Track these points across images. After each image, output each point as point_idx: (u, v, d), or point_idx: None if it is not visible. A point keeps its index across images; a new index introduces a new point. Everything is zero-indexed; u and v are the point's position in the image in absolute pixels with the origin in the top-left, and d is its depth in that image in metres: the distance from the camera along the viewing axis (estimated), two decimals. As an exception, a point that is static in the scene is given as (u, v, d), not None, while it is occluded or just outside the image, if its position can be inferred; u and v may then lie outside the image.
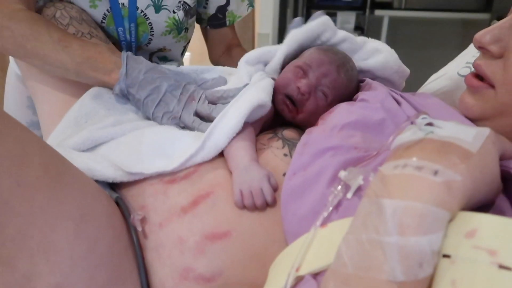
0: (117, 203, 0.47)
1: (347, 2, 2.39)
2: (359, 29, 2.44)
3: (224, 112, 0.53)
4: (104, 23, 0.78)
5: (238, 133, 0.51)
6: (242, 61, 0.65)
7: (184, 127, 0.60)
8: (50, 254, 0.35)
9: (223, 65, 0.94)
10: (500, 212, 0.33)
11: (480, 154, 0.31)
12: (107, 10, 0.77)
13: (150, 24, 0.81)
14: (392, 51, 0.67)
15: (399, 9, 2.34)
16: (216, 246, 0.43)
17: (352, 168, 0.38)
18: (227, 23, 0.92)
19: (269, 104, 0.55)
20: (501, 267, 0.25)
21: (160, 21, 0.81)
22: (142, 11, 0.79)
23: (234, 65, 0.78)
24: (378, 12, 2.34)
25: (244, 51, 1.00)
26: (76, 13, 0.71)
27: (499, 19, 0.49)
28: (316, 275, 0.33)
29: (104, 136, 0.55)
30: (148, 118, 0.62)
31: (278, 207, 0.44)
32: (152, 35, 0.83)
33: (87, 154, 0.53)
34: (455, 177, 0.29)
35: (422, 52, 2.50)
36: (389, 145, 0.37)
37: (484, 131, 0.33)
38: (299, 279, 0.34)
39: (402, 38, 2.59)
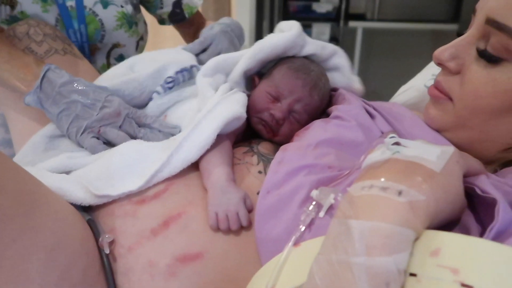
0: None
1: (321, 14, 2.44)
2: (334, 40, 2.50)
3: (196, 123, 0.51)
4: (58, 26, 0.79)
5: (215, 147, 0.51)
6: (199, 75, 0.63)
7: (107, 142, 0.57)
8: (19, 284, 0.34)
9: None
10: (465, 229, 0.34)
11: (443, 174, 0.32)
12: (58, 15, 0.79)
13: (100, 20, 0.83)
14: (352, 77, 0.67)
15: (372, 20, 2.41)
16: (188, 269, 0.42)
17: (323, 187, 0.39)
18: (186, 15, 0.98)
19: (244, 116, 0.55)
20: (463, 285, 0.26)
21: (109, 16, 0.84)
22: (90, 9, 0.82)
23: None
24: (352, 24, 2.40)
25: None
26: (50, 30, 0.71)
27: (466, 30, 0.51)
28: (290, 295, 0.34)
29: (80, 163, 0.53)
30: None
31: (252, 227, 0.44)
32: (104, 31, 0.85)
33: (60, 175, 0.51)
34: (418, 197, 0.30)
35: (396, 61, 2.58)
36: (360, 164, 0.38)
37: (449, 150, 0.35)
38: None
39: (376, 49, 2.66)
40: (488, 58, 0.45)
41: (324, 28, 2.43)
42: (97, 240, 0.44)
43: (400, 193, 0.30)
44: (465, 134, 0.49)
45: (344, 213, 0.30)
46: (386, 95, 0.93)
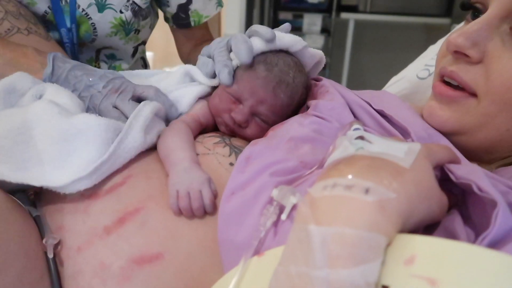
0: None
1: (313, 4, 2.39)
2: (326, 32, 2.45)
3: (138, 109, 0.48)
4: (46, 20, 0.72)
5: (175, 133, 0.48)
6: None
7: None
8: None
9: (193, 62, 0.90)
10: (451, 234, 0.30)
11: (413, 169, 0.28)
12: (49, 8, 0.71)
13: (93, 24, 0.75)
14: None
15: (364, 12, 2.37)
16: (145, 271, 0.38)
17: (283, 186, 0.34)
18: (192, 23, 0.85)
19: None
20: (442, 299, 0.22)
21: (104, 21, 0.75)
22: (83, 9, 0.73)
23: None
24: (344, 15, 2.36)
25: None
26: (13, 7, 0.66)
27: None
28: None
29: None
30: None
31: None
32: (96, 35, 0.77)
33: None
34: (388, 194, 0.26)
35: (387, 54, 2.55)
36: (324, 160, 0.34)
37: (416, 146, 0.31)
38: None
39: (367, 41, 2.62)
40: None
41: (316, 19, 2.38)
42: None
43: (367, 191, 0.26)
44: (485, 134, 0.43)
45: (304, 218, 0.26)
46: (376, 88, 0.89)
